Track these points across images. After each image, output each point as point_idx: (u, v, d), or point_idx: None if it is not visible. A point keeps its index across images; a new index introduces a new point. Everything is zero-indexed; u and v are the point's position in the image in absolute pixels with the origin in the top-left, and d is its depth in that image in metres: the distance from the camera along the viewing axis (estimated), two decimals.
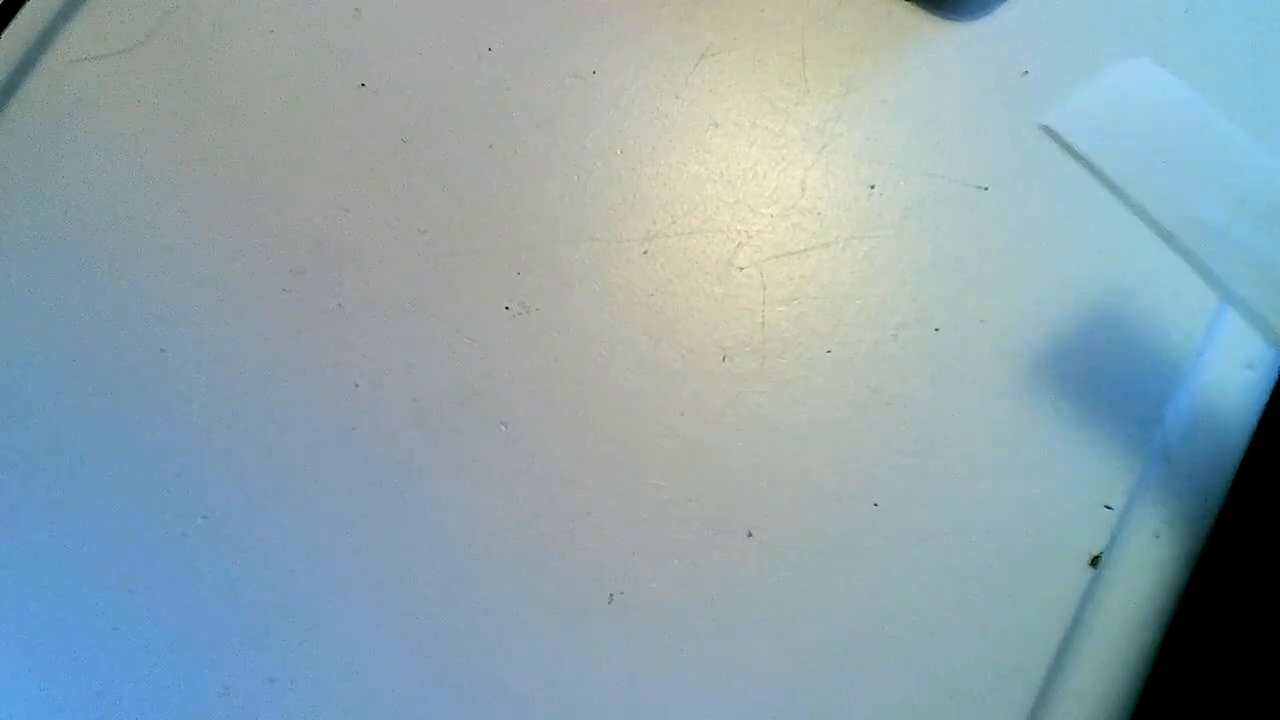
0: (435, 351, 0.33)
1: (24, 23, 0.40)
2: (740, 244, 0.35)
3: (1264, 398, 0.33)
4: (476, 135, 0.38)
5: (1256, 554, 0.31)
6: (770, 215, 0.36)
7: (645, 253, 0.35)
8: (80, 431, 0.32)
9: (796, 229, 0.35)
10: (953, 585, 0.29)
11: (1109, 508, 0.31)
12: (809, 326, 0.34)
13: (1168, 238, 0.28)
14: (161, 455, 0.32)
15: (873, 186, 0.36)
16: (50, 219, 0.36)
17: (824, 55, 0.39)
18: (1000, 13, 0.40)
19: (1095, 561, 0.30)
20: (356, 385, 0.33)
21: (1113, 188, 0.29)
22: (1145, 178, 0.29)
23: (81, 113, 0.39)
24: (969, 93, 0.38)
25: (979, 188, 0.36)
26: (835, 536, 0.30)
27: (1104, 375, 0.32)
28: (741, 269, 0.35)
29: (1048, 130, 0.30)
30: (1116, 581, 0.30)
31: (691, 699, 0.29)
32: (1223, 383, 0.33)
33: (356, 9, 0.41)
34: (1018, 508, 0.31)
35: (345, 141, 0.38)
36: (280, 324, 0.34)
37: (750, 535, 0.31)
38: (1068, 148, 0.30)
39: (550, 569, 0.30)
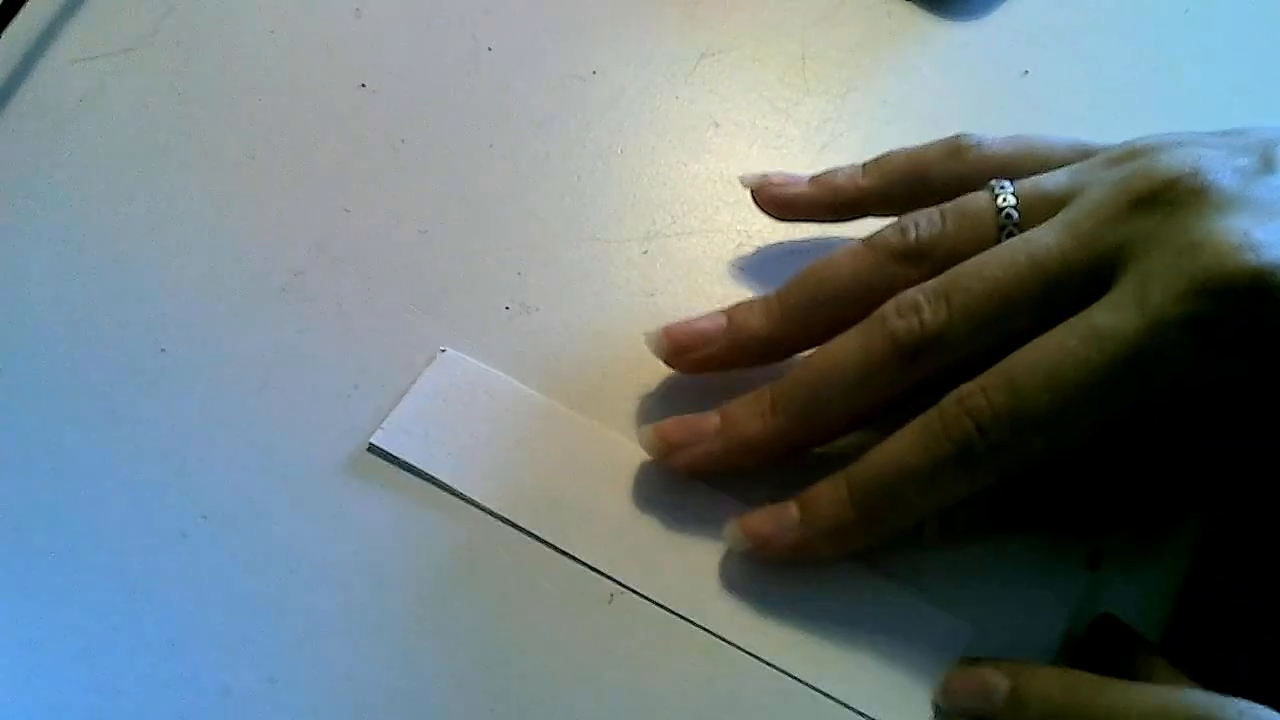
0: (435, 351, 0.33)
1: (24, 23, 0.40)
2: (740, 244, 0.35)
3: None
4: (476, 135, 0.38)
5: (1256, 554, 0.31)
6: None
7: (645, 253, 0.35)
8: (80, 431, 0.32)
9: (797, 229, 0.35)
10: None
11: None
12: None
13: (514, 524, 0.30)
14: (161, 455, 0.32)
15: None
16: (50, 219, 0.36)
17: (824, 55, 0.39)
18: (1000, 13, 0.40)
19: (1095, 561, 0.30)
20: (356, 385, 0.33)
21: (451, 490, 0.30)
22: (477, 471, 0.31)
23: (81, 113, 0.39)
24: (969, 93, 0.38)
25: None
26: None
27: None
28: (742, 269, 0.35)
29: (375, 449, 0.31)
30: (1116, 581, 0.30)
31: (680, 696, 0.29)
32: None
33: (356, 9, 0.41)
34: None
35: (345, 141, 0.38)
36: (280, 324, 0.34)
37: None
38: (398, 461, 0.31)
39: (548, 568, 0.30)
